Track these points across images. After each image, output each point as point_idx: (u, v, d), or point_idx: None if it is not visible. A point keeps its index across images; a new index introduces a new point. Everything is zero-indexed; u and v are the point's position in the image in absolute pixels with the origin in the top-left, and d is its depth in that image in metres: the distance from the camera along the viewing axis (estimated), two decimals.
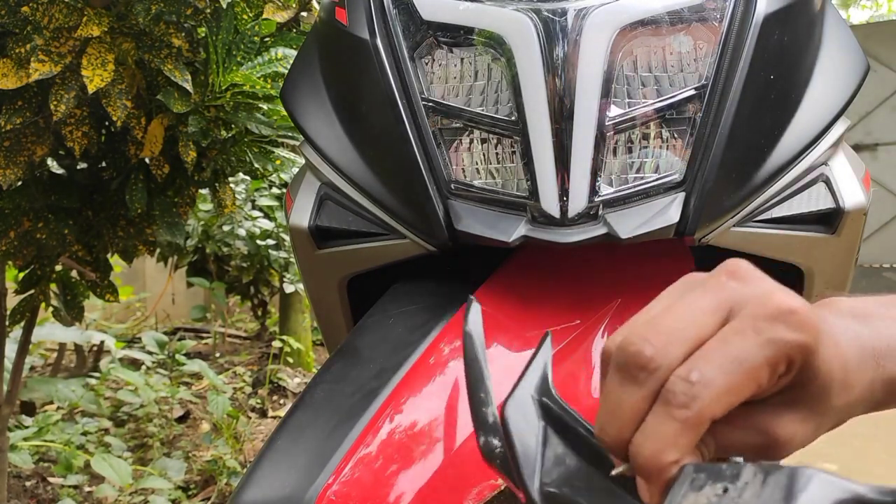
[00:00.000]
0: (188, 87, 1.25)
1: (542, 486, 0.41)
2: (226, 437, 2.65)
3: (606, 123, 0.63)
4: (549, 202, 0.63)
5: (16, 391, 1.90)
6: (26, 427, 2.45)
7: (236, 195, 2.58)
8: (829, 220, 0.73)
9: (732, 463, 0.35)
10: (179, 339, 3.98)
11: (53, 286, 1.77)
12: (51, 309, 1.80)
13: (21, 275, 1.72)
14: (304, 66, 0.85)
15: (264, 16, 1.41)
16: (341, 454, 0.55)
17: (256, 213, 3.81)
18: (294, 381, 3.65)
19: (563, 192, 0.63)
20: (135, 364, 3.41)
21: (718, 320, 0.38)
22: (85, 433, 2.57)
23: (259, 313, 4.57)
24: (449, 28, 0.66)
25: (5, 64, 1.18)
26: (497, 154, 0.67)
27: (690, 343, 0.37)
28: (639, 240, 0.64)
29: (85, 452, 2.38)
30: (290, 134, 1.48)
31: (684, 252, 0.73)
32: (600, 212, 0.64)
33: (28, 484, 2.32)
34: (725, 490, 0.33)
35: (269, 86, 1.34)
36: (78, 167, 1.66)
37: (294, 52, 1.36)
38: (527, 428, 0.42)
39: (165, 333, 4.03)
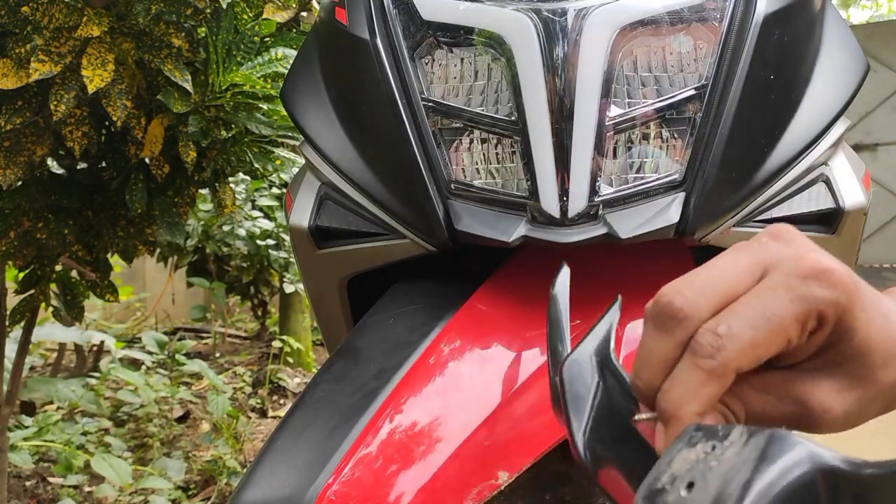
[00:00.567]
0: (188, 87, 1.25)
1: (589, 441, 0.42)
2: (226, 437, 2.65)
3: (606, 123, 0.63)
4: (549, 202, 0.63)
5: (16, 391, 1.90)
6: (26, 427, 2.45)
7: (236, 195, 2.58)
8: (829, 220, 0.73)
9: (730, 425, 0.36)
10: (179, 339, 3.98)
11: (53, 286, 1.77)
12: (51, 309, 1.80)
13: (21, 275, 1.72)
14: (304, 66, 0.85)
15: (264, 16, 1.41)
16: (341, 454, 0.55)
17: (256, 213, 3.81)
18: (294, 381, 3.65)
19: (563, 192, 0.63)
20: (135, 364, 3.41)
21: (753, 278, 0.39)
22: (85, 433, 2.57)
23: (259, 313, 4.57)
24: (449, 28, 0.66)
25: (5, 64, 1.18)
26: (497, 154, 0.67)
27: (721, 297, 0.38)
28: (639, 240, 0.64)
29: (85, 452, 2.38)
30: (289, 134, 1.48)
31: (684, 252, 0.73)
32: (600, 212, 0.64)
33: (28, 484, 2.32)
34: (713, 448, 0.34)
35: (269, 86, 1.34)
36: (78, 167, 1.66)
37: (294, 52, 1.36)
38: (581, 385, 0.44)
39: (165, 333, 4.03)
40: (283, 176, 3.16)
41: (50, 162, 1.62)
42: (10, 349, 1.96)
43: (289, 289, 3.92)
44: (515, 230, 0.65)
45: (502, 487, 0.55)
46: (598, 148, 0.63)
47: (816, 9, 0.74)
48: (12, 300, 1.77)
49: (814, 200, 0.72)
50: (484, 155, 0.68)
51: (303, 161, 0.83)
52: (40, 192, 1.52)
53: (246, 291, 4.23)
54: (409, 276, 0.75)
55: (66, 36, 1.17)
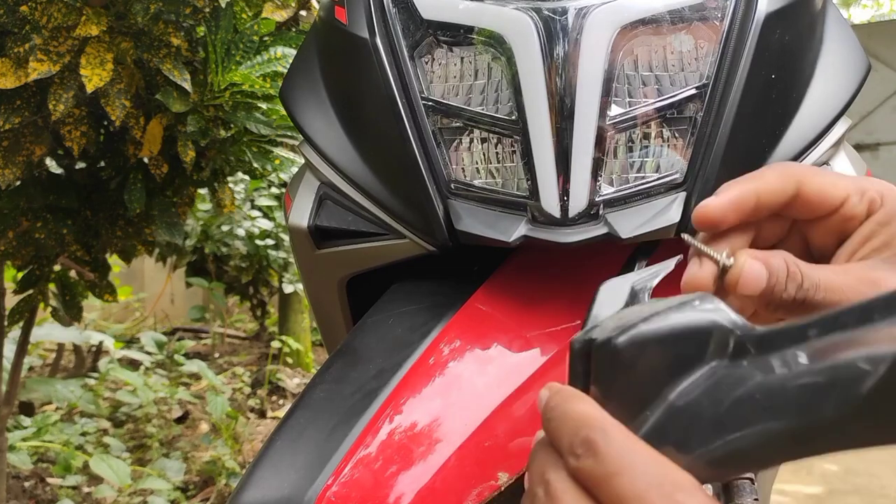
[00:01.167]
0: (187, 86, 1.25)
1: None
2: (225, 438, 2.64)
3: (607, 123, 0.63)
4: (550, 202, 0.63)
5: (14, 391, 1.89)
6: (25, 427, 2.45)
7: (235, 195, 2.58)
8: None
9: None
10: (178, 340, 3.98)
11: (52, 286, 1.77)
12: (49, 309, 1.80)
13: (20, 275, 1.71)
14: (303, 66, 0.84)
15: (263, 15, 1.41)
16: (341, 455, 0.55)
17: (255, 213, 3.81)
18: (293, 381, 3.65)
19: (564, 192, 0.63)
20: (133, 364, 3.40)
21: None
22: (84, 433, 2.57)
23: (258, 313, 4.57)
24: (449, 27, 0.66)
25: (4, 63, 1.18)
26: (497, 154, 0.67)
27: None
28: (639, 240, 0.64)
29: (84, 453, 2.37)
30: (289, 133, 1.48)
31: (685, 252, 0.73)
32: (601, 211, 0.64)
33: (27, 484, 2.32)
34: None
35: (268, 85, 1.33)
36: (76, 167, 1.66)
37: (293, 52, 1.35)
38: (608, 306, 0.44)
39: (164, 334, 4.03)
40: (282, 176, 3.16)
41: (48, 161, 1.62)
42: (9, 349, 1.96)
43: (288, 289, 3.92)
44: (516, 230, 0.64)
45: (502, 488, 0.55)
46: (599, 147, 0.63)
47: (817, 8, 0.74)
48: (11, 300, 1.77)
49: None
50: (484, 154, 0.67)
51: (302, 161, 0.83)
52: (39, 192, 1.52)
53: (245, 291, 4.23)
54: (408, 276, 0.75)
55: (65, 35, 1.17)
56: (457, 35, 0.66)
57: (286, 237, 3.72)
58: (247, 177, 3.09)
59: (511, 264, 0.73)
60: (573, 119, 0.62)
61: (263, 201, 3.80)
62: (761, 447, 0.33)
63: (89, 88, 1.15)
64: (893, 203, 0.44)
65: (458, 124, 0.67)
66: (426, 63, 0.68)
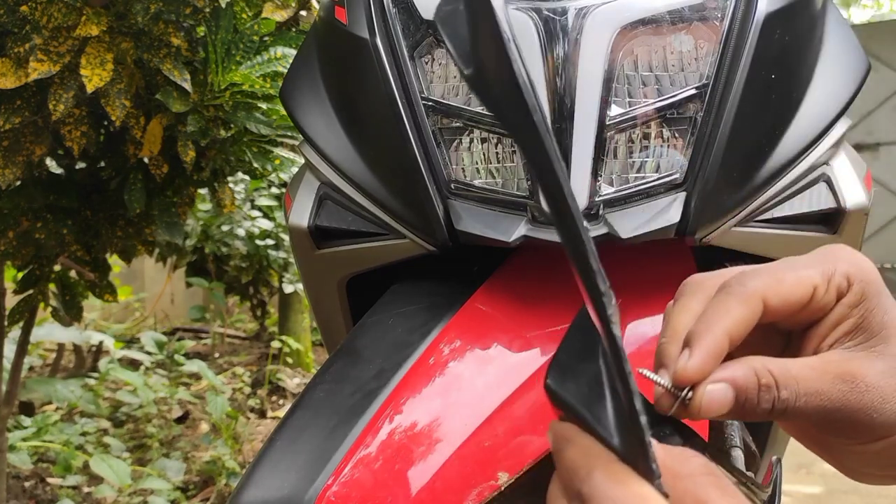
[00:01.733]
0: (187, 86, 1.25)
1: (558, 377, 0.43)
2: (225, 438, 2.64)
3: (607, 123, 0.63)
4: None
5: (15, 391, 1.89)
6: (25, 427, 2.45)
7: (235, 195, 2.58)
8: (831, 220, 0.73)
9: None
10: (178, 340, 3.97)
11: (52, 286, 1.77)
12: (49, 309, 1.80)
13: (20, 275, 1.71)
14: (303, 66, 0.84)
15: (263, 15, 1.40)
16: (341, 455, 0.54)
17: (255, 213, 3.80)
18: (293, 381, 3.65)
19: None
20: (134, 364, 3.40)
21: None
22: (84, 433, 2.57)
23: (258, 313, 4.57)
24: None
25: (4, 63, 1.18)
26: (497, 154, 0.67)
27: None
28: (639, 240, 0.64)
29: (84, 453, 2.37)
30: (289, 133, 1.48)
31: (685, 252, 0.73)
32: (601, 212, 0.64)
33: (27, 484, 2.32)
34: None
35: (268, 85, 1.33)
36: (76, 167, 1.66)
37: (293, 52, 1.35)
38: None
39: (164, 333, 4.02)
40: (282, 176, 3.15)
41: (49, 162, 1.62)
42: (9, 349, 1.96)
43: (288, 289, 3.91)
44: (516, 230, 0.64)
45: (502, 488, 0.55)
46: (599, 147, 0.63)
47: (817, 8, 0.74)
48: (11, 300, 1.77)
49: (815, 200, 0.72)
50: (484, 154, 0.67)
51: (302, 161, 0.83)
52: (39, 192, 1.52)
53: (245, 291, 4.22)
54: (408, 276, 0.75)
55: (65, 35, 1.17)
56: None
57: (286, 237, 3.72)
58: (247, 177, 3.09)
59: (511, 264, 0.73)
60: (573, 119, 0.62)
61: (263, 201, 3.80)
62: None
63: (89, 88, 1.15)
64: (861, 283, 0.43)
65: (458, 124, 0.67)
66: (426, 63, 0.68)
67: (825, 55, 0.75)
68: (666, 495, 0.35)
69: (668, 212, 0.64)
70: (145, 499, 2.24)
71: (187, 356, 3.48)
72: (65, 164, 1.65)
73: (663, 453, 0.37)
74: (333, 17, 0.75)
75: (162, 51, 1.24)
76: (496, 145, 0.67)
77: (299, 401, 0.61)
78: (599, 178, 0.64)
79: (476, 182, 0.67)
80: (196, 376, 3.37)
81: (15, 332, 1.98)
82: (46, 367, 3.53)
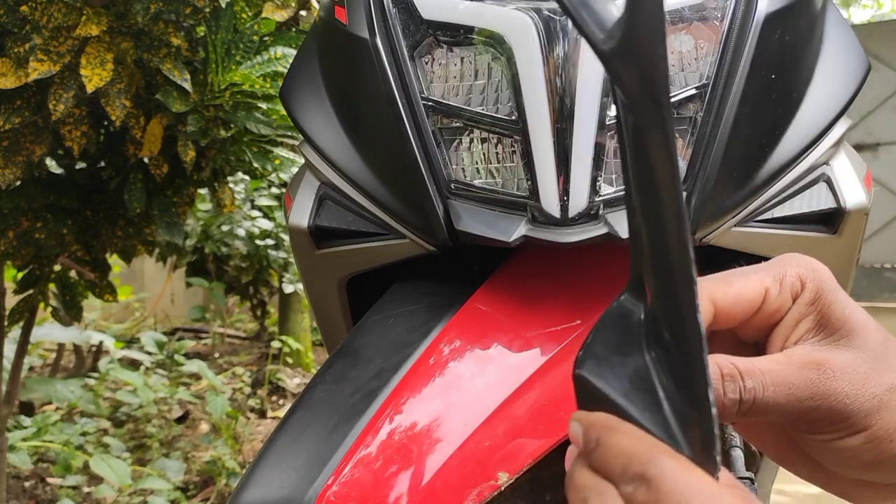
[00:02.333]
0: (187, 86, 1.25)
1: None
2: (225, 438, 2.64)
3: (607, 123, 0.63)
4: (550, 202, 0.63)
5: (15, 391, 1.89)
6: (25, 427, 2.45)
7: (235, 195, 2.58)
8: (831, 220, 0.73)
9: None
10: (178, 340, 3.97)
11: (52, 286, 1.77)
12: (49, 309, 1.80)
13: (20, 275, 1.71)
14: (303, 66, 0.84)
15: (263, 15, 1.40)
16: (341, 455, 0.55)
17: (255, 213, 3.80)
18: (293, 381, 3.65)
19: (564, 192, 0.63)
20: (134, 364, 3.40)
21: None
22: (84, 433, 2.57)
23: (258, 313, 4.57)
24: (449, 27, 0.66)
25: (4, 63, 1.18)
26: (497, 154, 0.67)
27: None
28: None
29: (84, 453, 2.37)
30: (289, 133, 1.48)
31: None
32: (601, 211, 0.64)
33: (27, 484, 2.32)
34: None
35: (268, 85, 1.33)
36: (77, 167, 1.66)
37: (293, 51, 1.35)
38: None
39: (164, 333, 4.03)
40: (282, 175, 3.16)
41: (49, 161, 1.62)
42: (9, 349, 1.96)
43: (288, 289, 3.92)
44: (516, 230, 0.64)
45: (502, 488, 0.55)
46: (599, 147, 0.63)
47: (817, 8, 0.74)
48: (11, 300, 1.77)
49: (815, 200, 0.72)
50: (484, 154, 0.67)
51: (302, 161, 0.83)
52: (39, 192, 1.52)
53: (245, 291, 4.22)
54: (408, 276, 0.75)
55: (65, 35, 1.17)
56: (457, 35, 0.66)
57: (286, 237, 3.72)
58: (247, 177, 3.09)
59: (511, 264, 0.73)
60: (573, 119, 0.62)
61: (263, 201, 3.80)
62: None
63: (89, 88, 1.15)
64: (815, 282, 0.43)
65: (458, 124, 0.67)
66: (426, 63, 0.68)
67: (825, 55, 0.75)
68: None
69: None
70: (145, 499, 2.24)
71: (187, 356, 3.48)
72: (65, 163, 1.65)
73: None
74: (333, 17, 0.75)
75: (162, 51, 1.24)
76: (496, 145, 0.67)
77: (299, 401, 0.61)
78: (599, 178, 0.64)
79: (476, 182, 0.67)
80: (196, 376, 3.37)
81: (15, 332, 1.98)
82: (46, 367, 3.53)
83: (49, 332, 2.86)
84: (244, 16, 1.37)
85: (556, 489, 0.70)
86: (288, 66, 0.97)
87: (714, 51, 0.65)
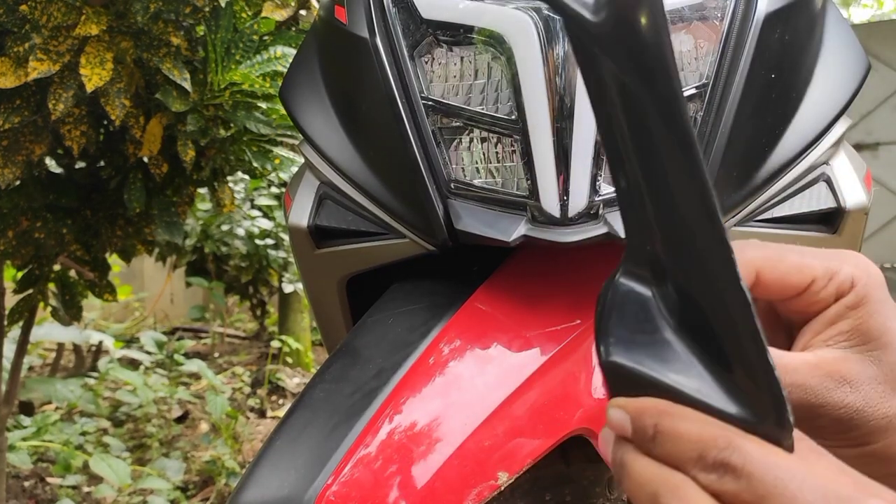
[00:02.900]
0: (187, 85, 1.25)
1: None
2: (224, 438, 2.64)
3: None
4: (550, 201, 0.63)
5: (14, 391, 1.89)
6: (25, 427, 2.45)
7: (235, 194, 2.58)
8: (831, 219, 0.72)
9: None
10: (178, 339, 3.98)
11: (52, 286, 1.77)
12: (49, 308, 1.80)
13: (19, 274, 1.71)
14: (303, 65, 0.84)
15: (263, 14, 1.40)
16: (340, 454, 0.54)
17: (255, 213, 3.80)
18: (293, 381, 3.65)
19: (564, 192, 0.63)
20: (133, 364, 3.40)
21: None
22: (83, 433, 2.57)
23: (258, 313, 4.57)
24: (449, 26, 0.66)
25: (3, 63, 1.18)
26: (497, 153, 0.67)
27: None
28: None
29: (83, 452, 2.37)
30: (288, 133, 1.48)
31: None
32: (601, 211, 0.64)
33: (27, 484, 2.32)
34: None
35: (268, 84, 1.33)
36: (76, 166, 1.66)
37: (293, 51, 1.35)
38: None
39: (164, 333, 4.03)
40: (281, 175, 3.15)
41: (48, 161, 1.62)
42: (9, 349, 1.96)
43: (288, 288, 3.92)
44: (515, 230, 0.64)
45: (502, 488, 0.55)
46: (599, 147, 0.63)
47: (817, 8, 0.74)
48: (11, 300, 1.77)
49: (815, 200, 0.72)
50: (484, 154, 0.67)
51: (302, 160, 0.83)
52: (38, 192, 1.52)
53: (245, 291, 4.23)
54: (408, 275, 0.75)
55: (65, 34, 1.16)
56: (457, 34, 0.66)
57: (286, 237, 3.72)
58: (247, 176, 3.09)
59: (511, 264, 0.73)
60: (573, 119, 0.62)
61: (263, 201, 3.80)
62: None
63: (89, 88, 1.15)
64: (865, 287, 0.42)
65: (457, 124, 0.67)
66: (426, 62, 0.68)
67: (825, 55, 0.75)
68: None
69: None
70: (145, 498, 2.24)
71: (187, 356, 3.48)
72: (64, 163, 1.65)
73: None
74: (333, 16, 0.75)
75: (161, 50, 1.24)
76: (496, 145, 0.67)
77: (299, 400, 0.61)
78: (599, 178, 0.64)
79: (476, 181, 0.67)
80: (196, 376, 3.37)
81: (14, 332, 1.98)
82: (46, 367, 3.53)
83: (49, 331, 2.86)
84: (244, 15, 1.37)
85: (556, 489, 0.70)
86: (287, 66, 0.97)
87: (714, 50, 0.65)
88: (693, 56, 0.65)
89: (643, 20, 0.31)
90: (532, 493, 0.66)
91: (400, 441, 0.56)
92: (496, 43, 0.64)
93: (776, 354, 0.41)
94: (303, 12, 1.56)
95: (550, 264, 0.73)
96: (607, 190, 0.64)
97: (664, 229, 0.36)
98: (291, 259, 3.75)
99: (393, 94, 0.68)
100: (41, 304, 1.77)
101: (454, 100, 0.67)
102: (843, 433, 0.41)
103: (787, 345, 0.46)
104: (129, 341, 3.86)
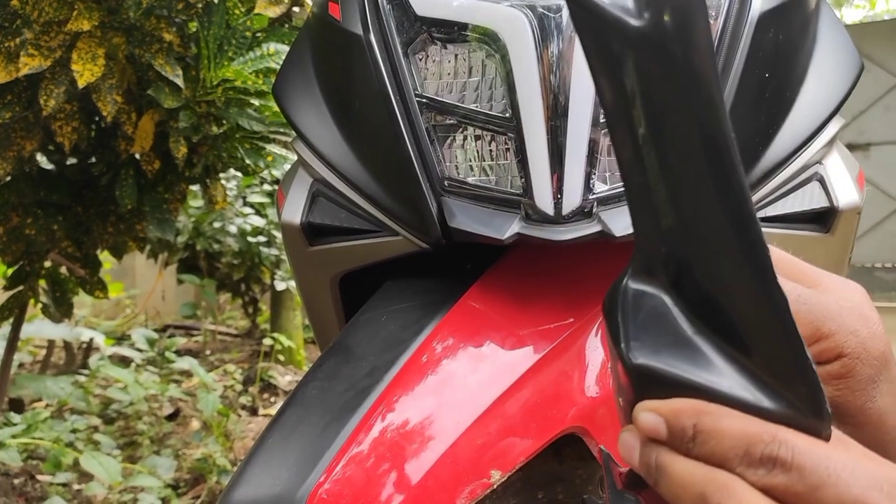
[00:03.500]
0: (179, 82, 1.24)
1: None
2: (216, 436, 2.64)
3: (601, 121, 0.63)
4: (543, 200, 0.63)
5: (4, 388, 1.89)
6: (15, 424, 2.43)
7: (227, 191, 2.57)
8: (823, 219, 0.73)
9: None
10: (169, 337, 3.97)
11: (42, 282, 1.76)
12: (40, 305, 1.79)
13: (10, 271, 1.71)
14: (296, 62, 0.84)
15: (256, 11, 1.40)
16: (333, 452, 0.54)
17: (248, 210, 3.80)
18: (285, 378, 3.65)
19: (558, 190, 0.63)
20: (124, 361, 3.39)
21: None
22: (74, 431, 2.56)
23: (250, 311, 4.56)
24: (443, 24, 0.66)
25: None
26: (491, 151, 0.67)
27: None
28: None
29: (74, 450, 2.36)
30: (281, 130, 1.48)
31: None
32: (594, 209, 0.64)
33: (16, 482, 2.31)
34: None
35: (260, 81, 1.33)
36: (67, 162, 1.66)
37: (286, 48, 1.35)
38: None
39: (155, 330, 4.01)
40: (274, 172, 3.14)
41: (39, 157, 1.61)
42: None
43: (280, 286, 3.91)
44: (509, 228, 0.64)
45: (495, 486, 0.55)
46: (593, 145, 0.63)
47: (811, 8, 0.74)
48: (1, 296, 1.76)
49: (808, 199, 0.72)
50: (478, 152, 0.67)
51: (295, 157, 0.83)
52: (29, 188, 1.51)
53: (237, 288, 4.22)
54: (401, 273, 0.75)
55: (56, 30, 1.16)
56: (451, 32, 0.66)
57: (278, 234, 3.71)
58: (239, 173, 3.08)
59: (504, 262, 0.73)
60: (567, 117, 0.62)
61: (255, 198, 3.80)
62: None
63: (81, 83, 1.14)
64: (855, 361, 0.40)
65: (451, 121, 0.67)
66: (420, 60, 0.68)
67: (818, 55, 0.75)
68: None
69: None
70: (136, 496, 2.23)
71: (178, 353, 3.47)
72: (56, 159, 1.64)
73: None
74: (327, 13, 0.75)
75: (154, 46, 1.23)
76: (490, 143, 0.66)
77: (291, 398, 0.61)
78: (593, 176, 0.64)
79: (469, 179, 0.67)
80: (187, 373, 3.36)
81: (4, 329, 1.97)
82: (36, 364, 3.51)
83: (39, 328, 2.85)
84: (237, 12, 1.36)
85: (549, 487, 0.70)
86: (280, 63, 0.97)
87: None
88: None
89: (690, 23, 0.31)
90: (524, 492, 0.66)
91: (392, 439, 0.56)
92: (490, 40, 0.64)
93: None
94: (296, 9, 1.56)
95: (544, 263, 0.73)
96: (601, 188, 0.64)
97: (692, 233, 0.36)
98: (284, 256, 3.74)
99: (387, 91, 0.67)
100: (32, 301, 1.76)
101: (448, 97, 0.67)
102: None
103: None
104: (120, 338, 3.85)
